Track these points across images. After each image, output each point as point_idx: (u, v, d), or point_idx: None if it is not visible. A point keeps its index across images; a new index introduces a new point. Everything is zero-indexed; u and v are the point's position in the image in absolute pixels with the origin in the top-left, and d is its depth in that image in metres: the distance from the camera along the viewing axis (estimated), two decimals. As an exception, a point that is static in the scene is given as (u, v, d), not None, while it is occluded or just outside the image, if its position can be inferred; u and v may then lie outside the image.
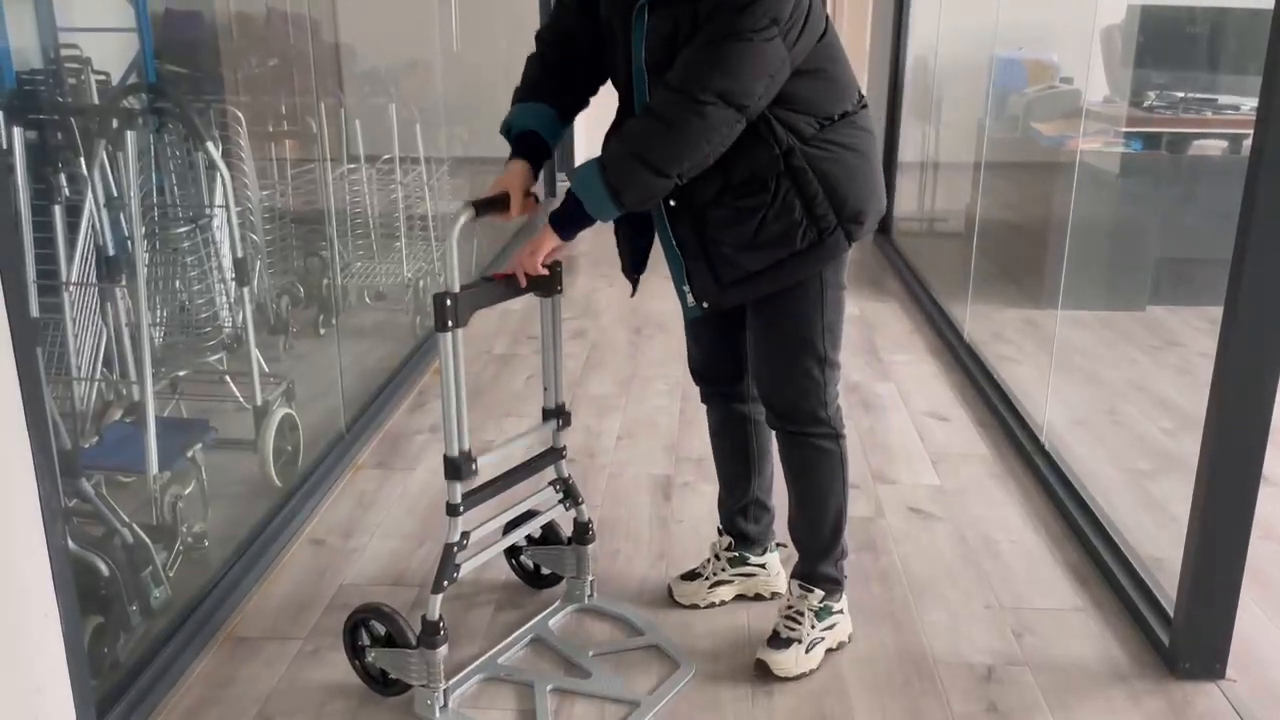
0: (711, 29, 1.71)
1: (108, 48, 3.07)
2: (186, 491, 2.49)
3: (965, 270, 4.30)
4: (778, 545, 2.35)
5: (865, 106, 1.95)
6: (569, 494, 2.25)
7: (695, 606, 2.31)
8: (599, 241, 5.86)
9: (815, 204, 1.85)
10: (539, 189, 2.01)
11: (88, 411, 2.62)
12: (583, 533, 2.27)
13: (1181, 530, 2.11)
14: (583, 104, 2.04)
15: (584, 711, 2.00)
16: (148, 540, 2.23)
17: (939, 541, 2.62)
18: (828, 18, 1.86)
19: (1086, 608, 2.34)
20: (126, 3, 3.16)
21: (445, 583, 1.94)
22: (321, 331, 3.78)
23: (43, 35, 2.92)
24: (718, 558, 2.34)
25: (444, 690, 1.95)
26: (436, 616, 1.91)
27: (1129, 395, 3.75)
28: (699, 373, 2.24)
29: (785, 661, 2.07)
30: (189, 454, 2.52)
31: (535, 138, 1.96)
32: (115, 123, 2.53)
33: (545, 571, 2.39)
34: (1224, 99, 4.61)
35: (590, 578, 2.31)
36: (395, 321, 4.21)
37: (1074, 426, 3.21)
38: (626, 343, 4.08)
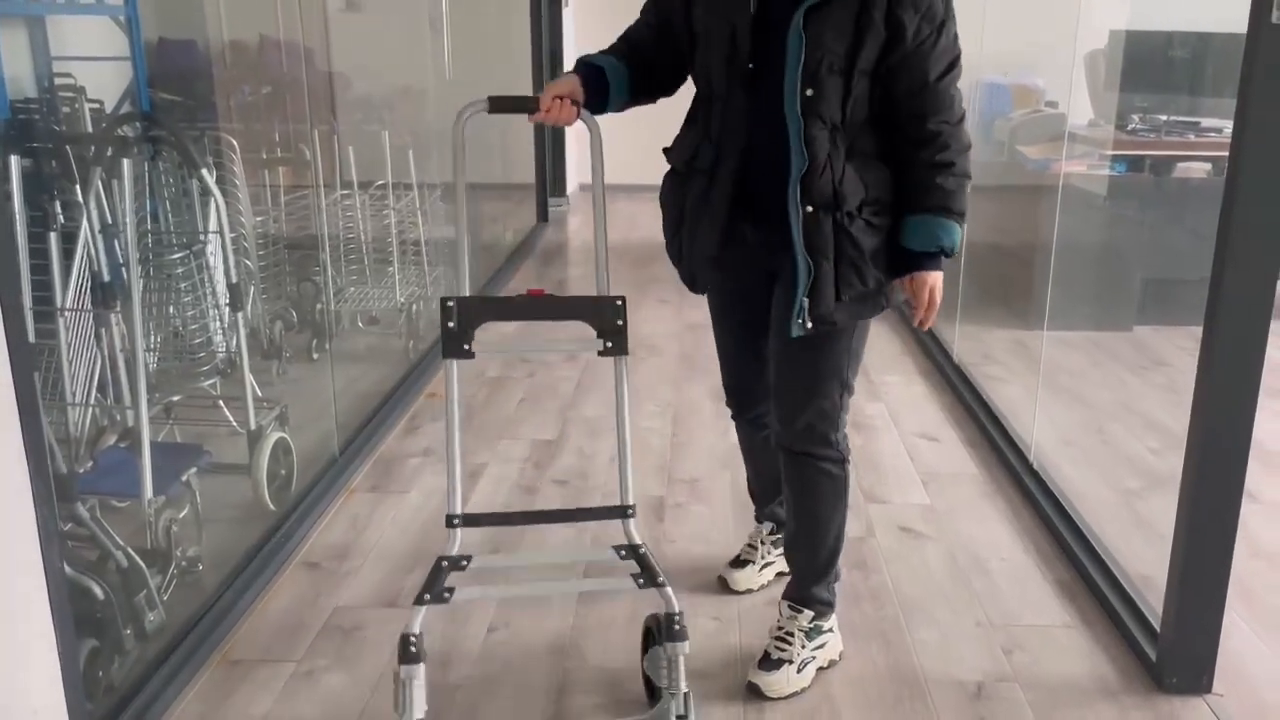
0: (943, 59, 1.90)
1: (101, 76, 3.10)
2: (181, 515, 2.50)
3: (953, 292, 4.33)
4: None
5: None
6: (644, 569, 1.84)
7: (750, 591, 2.45)
8: (588, 266, 5.89)
9: (895, 241, 1.99)
10: (586, 116, 1.99)
11: (82, 437, 2.64)
12: (669, 626, 1.79)
13: (1168, 547, 2.13)
14: (649, 91, 2.08)
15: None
16: (142, 564, 2.24)
17: (929, 560, 2.64)
18: None
19: (1075, 624, 2.36)
20: (120, 32, 3.20)
21: (427, 596, 1.78)
22: (315, 356, 3.80)
23: (37, 64, 2.95)
24: (762, 543, 2.49)
25: None
26: (415, 631, 1.74)
27: (1116, 415, 3.78)
28: (743, 399, 2.33)
29: (777, 683, 2.10)
30: (184, 478, 2.53)
31: (597, 74, 1.99)
32: (111, 150, 2.56)
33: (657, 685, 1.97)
34: (1206, 122, 4.67)
35: (683, 690, 1.78)
36: (388, 345, 4.24)
37: (1062, 446, 3.24)
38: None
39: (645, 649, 2.05)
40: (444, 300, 1.89)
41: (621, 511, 1.89)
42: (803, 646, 2.13)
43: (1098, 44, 4.78)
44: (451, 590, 1.83)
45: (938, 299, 1.99)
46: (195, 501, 2.58)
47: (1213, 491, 2.05)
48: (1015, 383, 3.78)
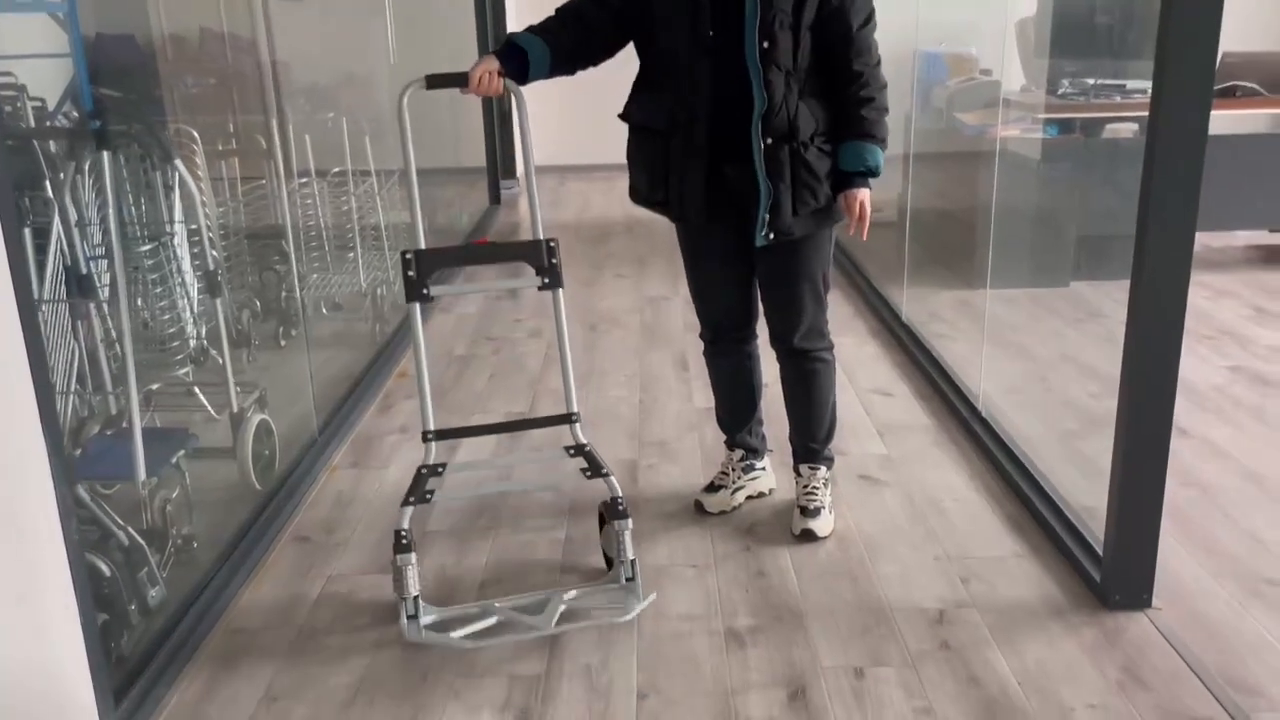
0: (862, 12, 2.31)
1: (39, 74, 3.13)
2: (173, 496, 2.58)
3: (900, 256, 4.51)
4: (768, 450, 2.87)
5: None
6: (590, 463, 2.30)
7: (723, 512, 2.75)
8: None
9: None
10: (510, 85, 2.32)
11: (65, 425, 2.70)
12: (613, 507, 2.29)
13: (1107, 480, 2.31)
14: (570, 67, 2.40)
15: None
16: (143, 543, 2.33)
17: (889, 504, 2.81)
18: None
19: (1025, 554, 2.55)
20: (58, 28, 3.21)
21: (412, 499, 2.21)
22: (282, 343, 3.86)
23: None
24: (733, 469, 2.79)
25: (413, 599, 2.19)
26: (404, 526, 2.18)
27: (1057, 364, 3.99)
28: (720, 326, 2.67)
29: (823, 524, 2.61)
30: (174, 460, 2.61)
31: (521, 55, 2.33)
32: (87, 145, 2.61)
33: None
34: (1131, 84, 4.88)
35: (630, 558, 2.30)
36: (356, 330, 4.31)
37: (1008, 395, 3.42)
38: (581, 340, 4.22)
39: (601, 529, 2.48)
40: (403, 253, 2.24)
41: (567, 418, 2.32)
42: (827, 494, 2.66)
43: (1027, 12, 4.96)
44: (432, 492, 2.24)
45: (868, 211, 2.39)
46: (185, 483, 2.66)
47: (1145, 428, 2.22)
48: (961, 339, 3.96)
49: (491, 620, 2.24)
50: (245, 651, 2.25)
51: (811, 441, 2.68)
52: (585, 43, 2.39)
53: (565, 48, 2.36)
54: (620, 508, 2.28)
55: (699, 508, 2.77)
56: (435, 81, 2.27)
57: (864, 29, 2.33)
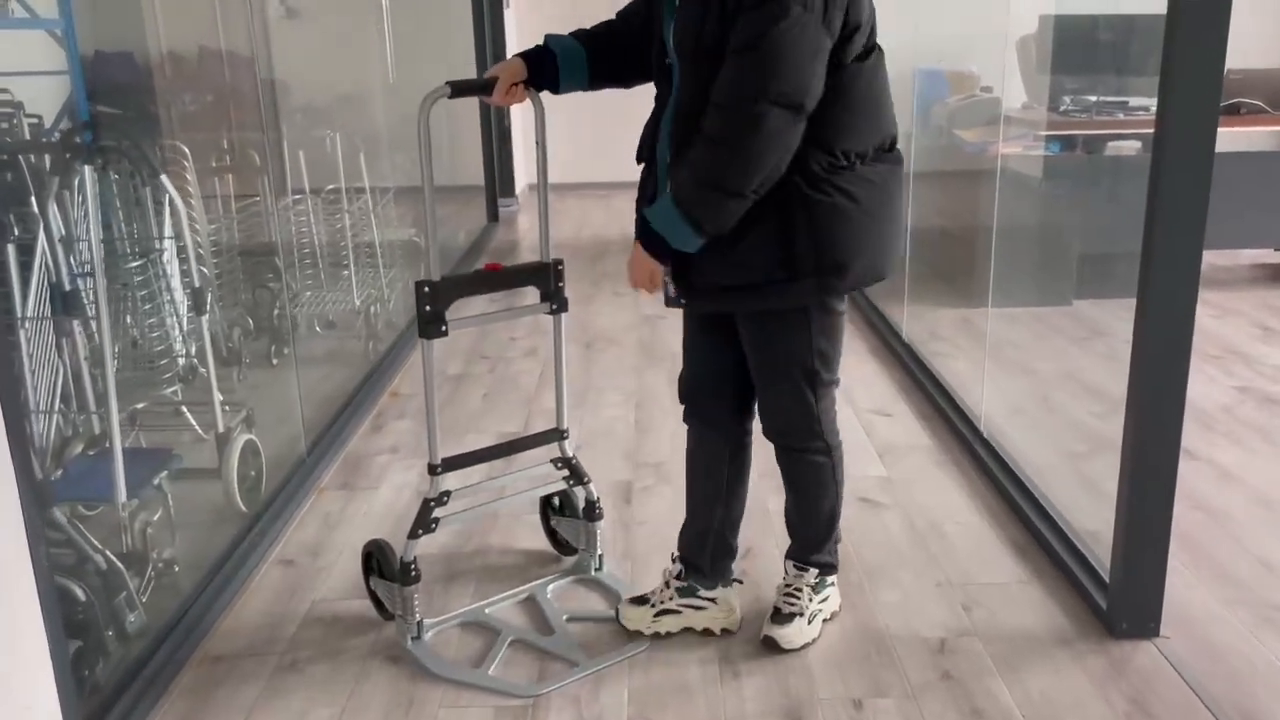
0: (741, 34, 1.73)
1: (36, 91, 3.09)
2: (155, 518, 2.52)
3: (900, 274, 4.46)
4: (735, 581, 2.32)
5: (891, 151, 1.96)
6: (574, 473, 2.42)
7: (639, 634, 2.24)
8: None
9: (795, 243, 1.87)
10: (533, 95, 2.14)
11: (48, 446, 2.65)
12: (590, 510, 2.47)
13: (1113, 504, 2.25)
14: (613, 78, 2.12)
15: (530, 662, 2.21)
16: (121, 566, 2.27)
17: (889, 528, 2.74)
18: (878, 46, 1.91)
19: (1029, 580, 2.48)
20: (56, 45, 3.18)
21: (420, 531, 2.22)
22: (274, 362, 3.81)
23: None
24: (667, 585, 2.27)
25: (417, 623, 2.24)
26: (410, 559, 2.20)
27: (1060, 384, 3.93)
28: (687, 388, 2.23)
29: (791, 635, 2.19)
30: (156, 481, 2.56)
31: (550, 57, 2.08)
32: (68, 159, 2.57)
33: (566, 541, 2.61)
34: (1134, 101, 4.85)
35: (599, 552, 2.50)
36: (348, 348, 4.26)
37: (1010, 415, 3.37)
38: (578, 357, 4.17)
39: (545, 515, 2.64)
40: (419, 284, 2.09)
41: (558, 434, 2.41)
42: (809, 600, 2.23)
43: (1028, 29, 4.93)
44: (437, 521, 2.24)
45: (631, 270, 1.97)
46: (168, 505, 2.60)
47: (1152, 450, 2.16)
48: (963, 358, 3.90)
49: (504, 646, 2.24)
50: (225, 679, 2.18)
51: (798, 540, 2.27)
52: (629, 50, 2.07)
53: (608, 54, 2.08)
54: (597, 511, 2.47)
55: (616, 615, 2.29)
56: (460, 89, 2.08)
57: (738, 56, 1.73)
